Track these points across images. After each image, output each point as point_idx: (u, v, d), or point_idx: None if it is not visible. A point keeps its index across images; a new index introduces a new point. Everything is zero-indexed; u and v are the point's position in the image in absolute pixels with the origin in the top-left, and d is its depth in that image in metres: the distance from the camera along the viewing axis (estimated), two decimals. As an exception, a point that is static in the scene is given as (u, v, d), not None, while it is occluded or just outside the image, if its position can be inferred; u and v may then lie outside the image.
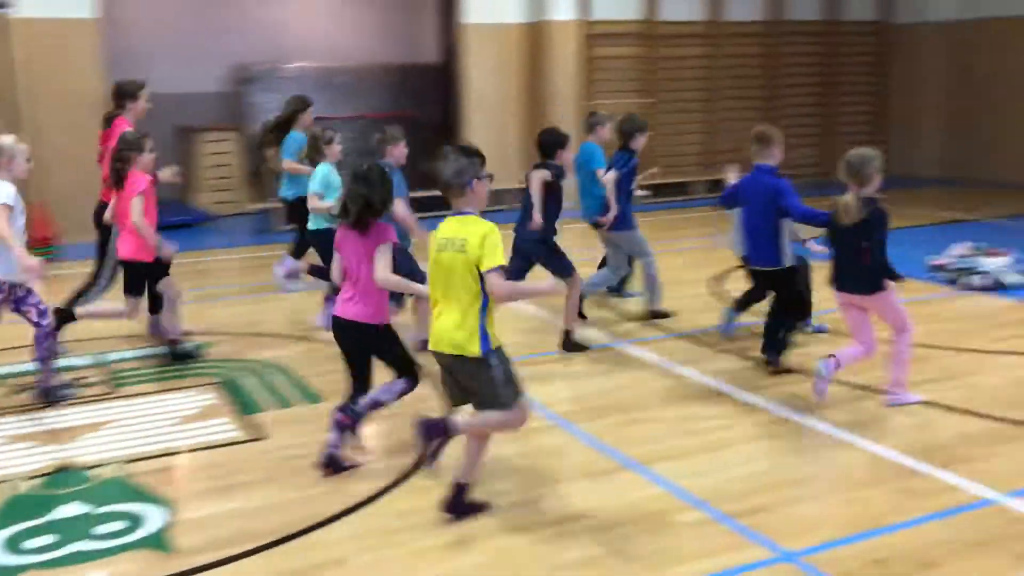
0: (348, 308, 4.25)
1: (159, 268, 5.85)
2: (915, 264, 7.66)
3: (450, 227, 3.75)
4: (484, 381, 3.74)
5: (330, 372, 5.85)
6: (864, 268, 4.91)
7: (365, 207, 4.14)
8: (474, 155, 3.81)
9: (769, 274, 5.62)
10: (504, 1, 12.73)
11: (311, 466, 4.35)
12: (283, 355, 6.18)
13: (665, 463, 4.34)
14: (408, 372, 4.37)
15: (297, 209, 7.04)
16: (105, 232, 6.11)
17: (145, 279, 5.79)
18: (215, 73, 13.43)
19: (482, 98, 12.74)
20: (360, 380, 4.40)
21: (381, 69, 14.22)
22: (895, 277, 4.93)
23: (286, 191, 7.41)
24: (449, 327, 3.71)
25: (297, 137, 7.29)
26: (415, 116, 13.83)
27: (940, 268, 7.92)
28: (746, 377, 5.57)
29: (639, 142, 6.66)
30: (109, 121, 6.41)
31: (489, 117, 12.74)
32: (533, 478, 4.23)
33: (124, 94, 6.46)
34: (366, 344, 4.33)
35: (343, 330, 4.31)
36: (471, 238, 3.64)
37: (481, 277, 3.63)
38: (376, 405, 4.36)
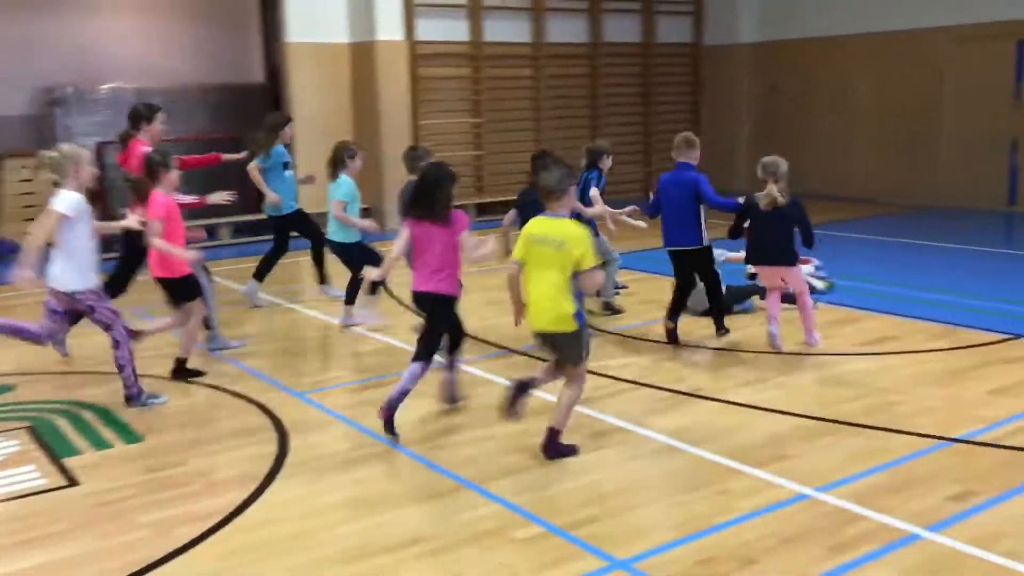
0: (428, 284, 4.99)
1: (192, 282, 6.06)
2: (737, 273, 8.06)
3: (545, 226, 4.53)
4: (573, 347, 4.60)
5: (155, 408, 5.57)
6: (788, 244, 6.20)
7: (445, 201, 4.90)
8: (568, 166, 4.69)
9: (691, 252, 6.56)
10: (329, 21, 12.60)
11: (130, 510, 4.12)
12: (100, 393, 5.83)
13: (499, 480, 4.37)
14: (458, 341, 5.26)
15: (295, 222, 7.97)
16: (131, 246, 6.30)
17: (189, 289, 5.97)
18: (21, 95, 12.59)
19: (309, 118, 12.53)
20: (454, 339, 5.25)
21: (202, 89, 13.73)
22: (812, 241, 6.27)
23: (274, 208, 7.89)
24: (547, 309, 4.52)
25: (279, 151, 7.85)
26: (237, 138, 13.44)
27: (754, 276, 8.36)
28: (577, 390, 5.69)
29: (606, 163, 7.27)
30: (125, 141, 6.77)
31: (317, 137, 12.51)
32: (366, 506, 4.16)
33: (140, 116, 6.83)
34: (441, 311, 5.07)
35: (424, 302, 5.09)
36: (570, 239, 4.43)
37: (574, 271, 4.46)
38: (453, 381, 5.35)
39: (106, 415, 5.43)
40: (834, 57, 14.75)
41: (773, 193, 6.11)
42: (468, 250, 4.95)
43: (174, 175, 5.87)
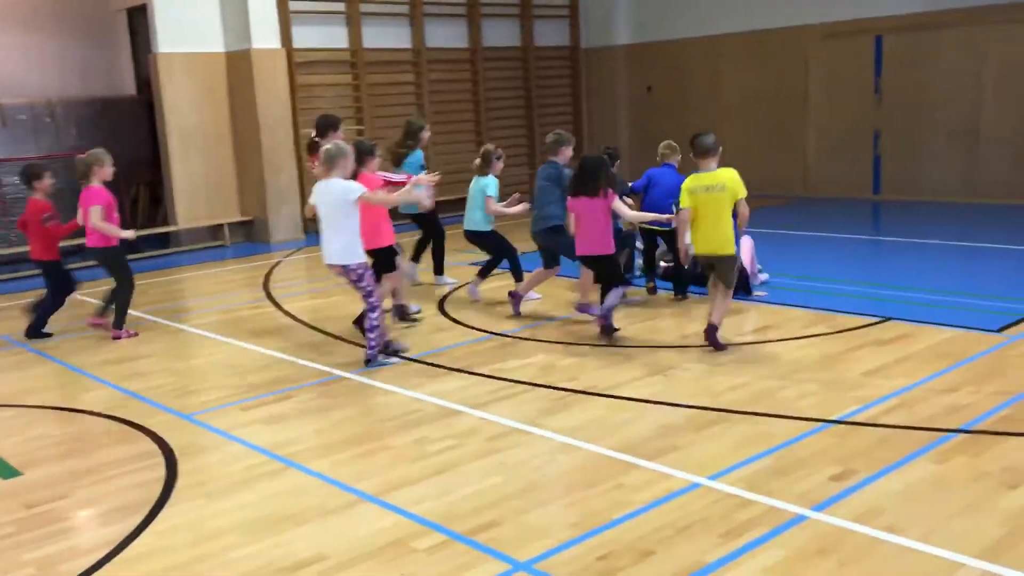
0: (588, 247, 6.70)
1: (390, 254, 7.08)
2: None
3: (705, 178, 6.22)
4: (731, 269, 6.27)
5: (33, 439, 5.33)
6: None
7: (604, 180, 6.55)
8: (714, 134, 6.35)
9: (668, 232, 7.71)
10: (201, 30, 12.28)
11: (10, 548, 3.93)
12: (-29, 427, 5.54)
13: (398, 491, 4.34)
14: (621, 282, 6.76)
15: (423, 217, 8.89)
16: None
17: (388, 258, 7.00)
18: None
19: (184, 129, 12.21)
20: (611, 283, 6.72)
21: (70, 103, 13.20)
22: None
23: (410, 205, 8.51)
24: (714, 238, 6.19)
25: (418, 153, 8.80)
26: (114, 151, 12.94)
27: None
28: (476, 394, 5.72)
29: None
30: (315, 148, 7.37)
31: (194, 147, 12.23)
32: (262, 527, 4.07)
33: (327, 126, 8.01)
34: (601, 266, 6.74)
35: (588, 261, 6.82)
36: (729, 182, 6.15)
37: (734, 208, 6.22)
38: (609, 309, 6.71)
39: (-21, 450, 5.16)
40: (706, 56, 15.25)
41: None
42: (622, 213, 6.72)
43: (377, 161, 7.01)
